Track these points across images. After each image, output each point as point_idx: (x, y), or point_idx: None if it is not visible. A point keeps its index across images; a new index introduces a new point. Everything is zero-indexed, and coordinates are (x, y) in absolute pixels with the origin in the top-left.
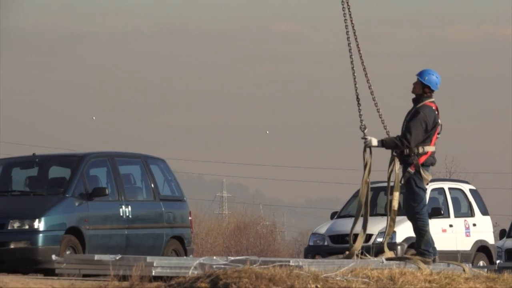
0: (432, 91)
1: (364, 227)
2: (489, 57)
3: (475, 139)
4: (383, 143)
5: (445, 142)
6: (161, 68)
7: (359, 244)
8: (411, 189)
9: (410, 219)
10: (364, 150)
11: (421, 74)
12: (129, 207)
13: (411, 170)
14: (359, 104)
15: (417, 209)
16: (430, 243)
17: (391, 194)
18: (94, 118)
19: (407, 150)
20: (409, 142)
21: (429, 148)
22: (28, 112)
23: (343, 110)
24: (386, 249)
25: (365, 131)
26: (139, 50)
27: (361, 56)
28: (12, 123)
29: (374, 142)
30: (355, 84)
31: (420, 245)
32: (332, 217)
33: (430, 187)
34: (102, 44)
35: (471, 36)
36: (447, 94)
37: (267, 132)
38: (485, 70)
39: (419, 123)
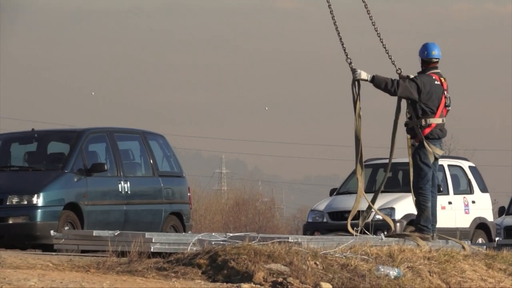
0: (427, 61)
1: (361, 162)
2: (491, 35)
3: (474, 116)
4: (373, 79)
5: (446, 119)
6: (161, 45)
7: (357, 204)
8: (416, 164)
9: (414, 194)
10: (353, 84)
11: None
12: (128, 183)
13: (415, 142)
14: (340, 37)
15: (421, 184)
16: (430, 219)
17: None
18: (93, 93)
19: (411, 122)
20: (398, 87)
21: (433, 120)
22: (28, 88)
23: (343, 87)
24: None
25: (351, 64)
26: (139, 26)
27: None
28: (11, 98)
29: (364, 75)
30: (333, 17)
31: (420, 220)
32: (331, 193)
33: None
34: (103, 21)
35: (473, 14)
36: (449, 71)
37: (266, 108)
38: (486, 47)
39: (413, 81)
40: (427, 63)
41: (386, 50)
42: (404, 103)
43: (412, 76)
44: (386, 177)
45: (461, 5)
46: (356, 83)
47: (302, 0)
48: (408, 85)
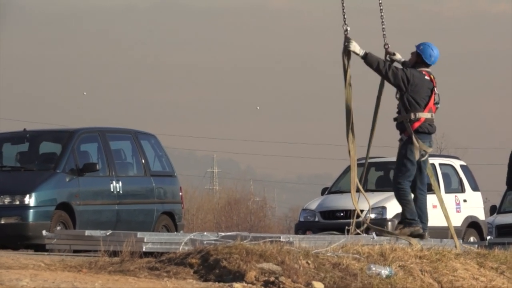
0: (425, 63)
1: (352, 130)
2: (482, 33)
3: (465, 115)
4: (366, 55)
5: (436, 117)
6: (152, 44)
7: (353, 173)
8: (399, 158)
9: (392, 189)
10: (344, 52)
11: (418, 44)
12: (120, 182)
13: (404, 136)
14: (342, 2)
15: (400, 179)
16: (415, 212)
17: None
18: (85, 93)
19: (400, 117)
20: (388, 69)
21: (422, 115)
22: (19, 88)
23: (334, 86)
24: None
25: (347, 32)
26: (132, 25)
27: None
28: (2, 98)
29: (357, 48)
30: None
31: (406, 215)
32: (322, 192)
33: None
34: (95, 19)
35: (465, 11)
36: (440, 69)
37: (258, 108)
38: (478, 45)
39: (402, 69)
40: (424, 63)
41: (382, 21)
42: (385, 98)
43: (398, 54)
44: (364, 174)
45: (453, 3)
46: (347, 53)
47: (294, 0)
48: (398, 72)
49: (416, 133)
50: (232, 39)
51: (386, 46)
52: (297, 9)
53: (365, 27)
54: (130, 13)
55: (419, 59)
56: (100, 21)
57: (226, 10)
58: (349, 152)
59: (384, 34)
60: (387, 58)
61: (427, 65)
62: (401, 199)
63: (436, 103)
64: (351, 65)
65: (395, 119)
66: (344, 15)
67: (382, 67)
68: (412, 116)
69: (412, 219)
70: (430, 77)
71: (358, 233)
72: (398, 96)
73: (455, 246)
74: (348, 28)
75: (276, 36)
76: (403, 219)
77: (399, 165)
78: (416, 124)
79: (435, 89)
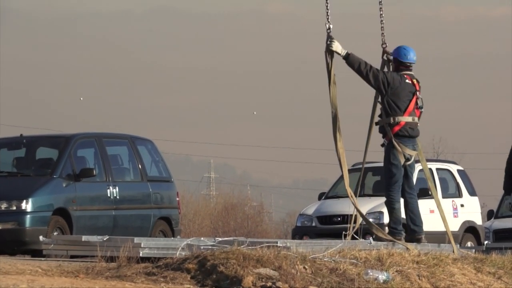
0: (404, 64)
1: (339, 129)
2: (480, 37)
3: (463, 119)
4: (348, 56)
5: (433, 121)
6: (149, 48)
7: (345, 169)
8: (384, 164)
9: (384, 194)
10: (327, 51)
11: (392, 51)
12: (117, 188)
13: (385, 141)
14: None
15: (389, 186)
16: (400, 220)
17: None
18: (81, 99)
19: (381, 121)
20: (369, 71)
21: (402, 119)
22: (15, 93)
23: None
24: None
25: (329, 30)
26: (129, 30)
27: None
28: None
29: (339, 48)
30: None
31: (390, 222)
32: (319, 198)
33: (418, 167)
34: (91, 24)
35: (463, 16)
36: (438, 74)
37: (255, 113)
38: (475, 49)
39: (383, 72)
40: (403, 64)
41: (381, 20)
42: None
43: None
44: (360, 179)
45: (450, 8)
46: (330, 53)
47: (291, 5)
48: (380, 74)
49: (397, 137)
50: (229, 43)
51: (384, 45)
52: (293, 14)
53: (362, 29)
54: (127, 18)
55: (397, 62)
56: (97, 26)
57: (223, 15)
58: (337, 151)
59: (382, 33)
60: (384, 57)
61: (407, 66)
62: (387, 205)
63: (419, 107)
64: (335, 64)
65: (376, 123)
66: (327, 13)
67: (363, 68)
68: (392, 120)
69: (395, 228)
70: (413, 81)
71: (355, 238)
72: (379, 99)
73: (453, 251)
74: (331, 26)
75: (274, 40)
76: (388, 226)
77: (385, 171)
78: (396, 128)
79: (418, 93)
